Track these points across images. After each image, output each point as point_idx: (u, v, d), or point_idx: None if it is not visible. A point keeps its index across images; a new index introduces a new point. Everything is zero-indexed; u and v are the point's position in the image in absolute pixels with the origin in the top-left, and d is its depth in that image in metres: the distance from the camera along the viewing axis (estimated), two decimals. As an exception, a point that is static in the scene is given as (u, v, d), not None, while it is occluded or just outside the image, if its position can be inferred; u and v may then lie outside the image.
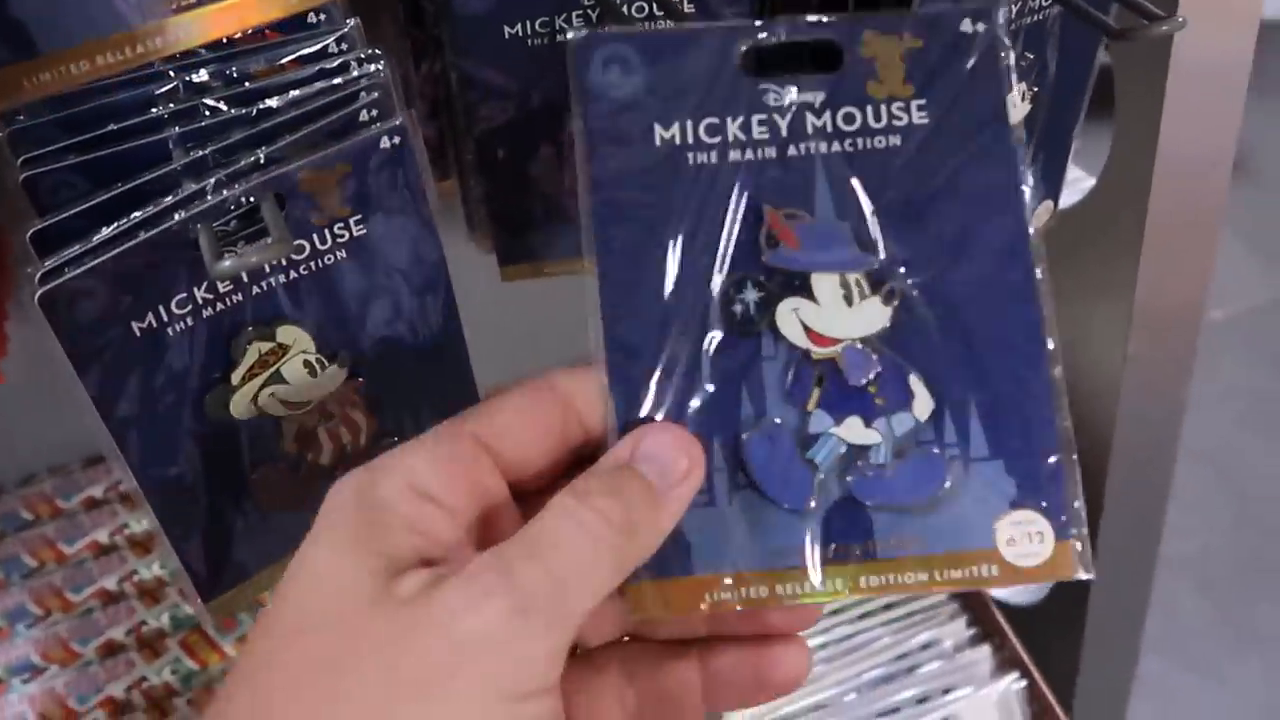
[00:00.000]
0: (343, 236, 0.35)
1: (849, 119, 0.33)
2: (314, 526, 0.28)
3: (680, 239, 0.32)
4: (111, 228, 0.32)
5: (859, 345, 0.32)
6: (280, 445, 0.38)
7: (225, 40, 0.35)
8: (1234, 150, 0.60)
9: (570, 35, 0.32)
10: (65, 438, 0.71)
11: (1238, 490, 1.54)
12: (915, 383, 0.32)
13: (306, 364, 0.36)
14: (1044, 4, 0.43)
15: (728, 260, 0.32)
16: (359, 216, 0.35)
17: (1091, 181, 0.62)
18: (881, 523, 0.31)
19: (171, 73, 0.35)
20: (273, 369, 0.36)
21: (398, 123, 0.35)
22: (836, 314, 0.32)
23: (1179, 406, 0.71)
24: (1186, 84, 0.54)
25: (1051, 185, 0.51)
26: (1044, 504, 0.31)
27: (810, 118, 0.33)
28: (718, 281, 0.32)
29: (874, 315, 0.32)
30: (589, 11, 0.42)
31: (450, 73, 0.44)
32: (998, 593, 0.78)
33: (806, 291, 0.32)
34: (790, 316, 0.32)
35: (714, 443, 0.31)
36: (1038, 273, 0.33)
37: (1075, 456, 0.32)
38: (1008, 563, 0.31)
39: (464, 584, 0.26)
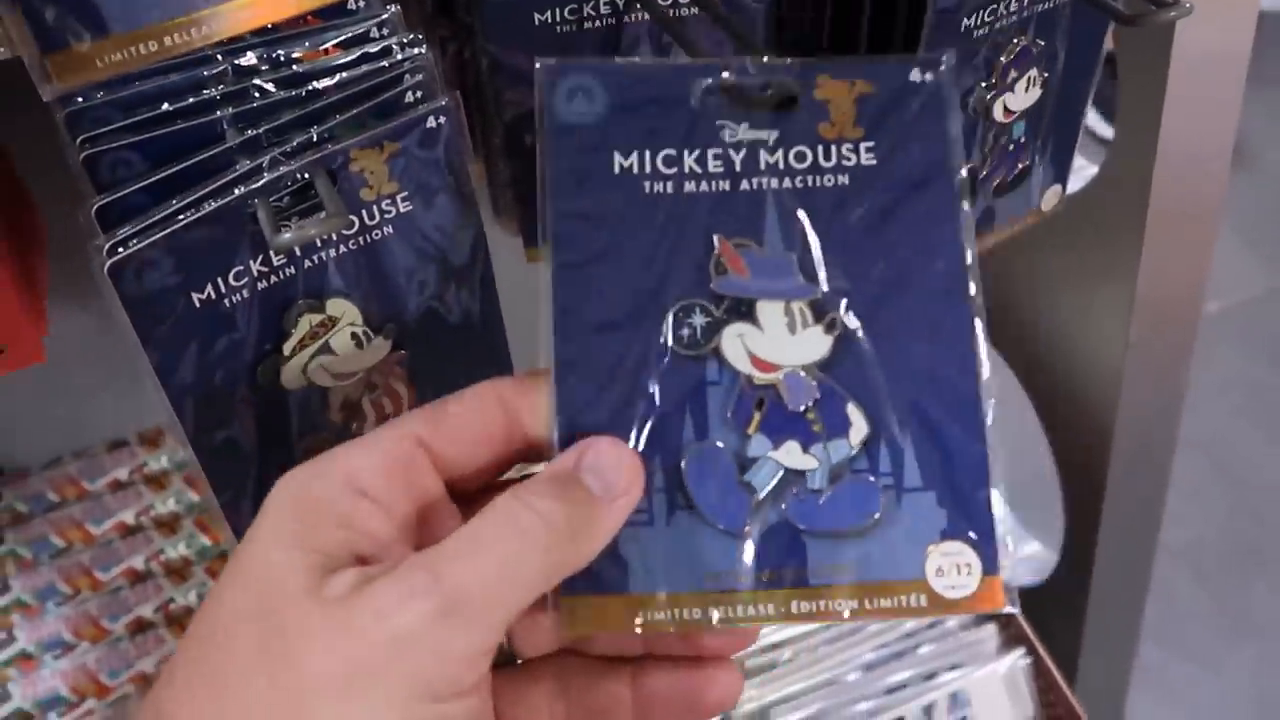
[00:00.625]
0: (390, 213, 0.37)
1: (800, 157, 0.34)
2: (254, 522, 0.28)
3: (633, 263, 0.33)
4: (174, 202, 0.33)
5: (800, 372, 0.33)
6: (327, 415, 0.39)
7: (270, 26, 0.37)
8: (1233, 140, 0.61)
9: (539, 64, 0.34)
10: (89, 419, 0.72)
11: (1234, 480, 1.56)
12: (853, 411, 0.33)
13: (354, 336, 0.38)
14: (1055, -10, 0.45)
15: (677, 285, 0.33)
16: (405, 194, 0.36)
17: (1095, 169, 0.64)
18: (815, 549, 0.32)
19: (220, 56, 0.36)
20: (322, 340, 0.37)
21: (443, 103, 0.36)
22: (779, 341, 0.33)
23: (1179, 393, 0.72)
24: (1187, 74, 0.56)
25: (1060, 169, 0.53)
26: (973, 536, 0.32)
27: (763, 154, 0.34)
28: (668, 305, 0.33)
29: (815, 343, 0.33)
30: (616, 1, 0.44)
31: (480, 58, 0.46)
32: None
33: (752, 318, 0.33)
34: (735, 341, 0.33)
35: (655, 462, 0.32)
36: (974, 311, 0.34)
37: (1001, 492, 0.33)
38: (936, 593, 0.32)
39: (393, 583, 0.26)
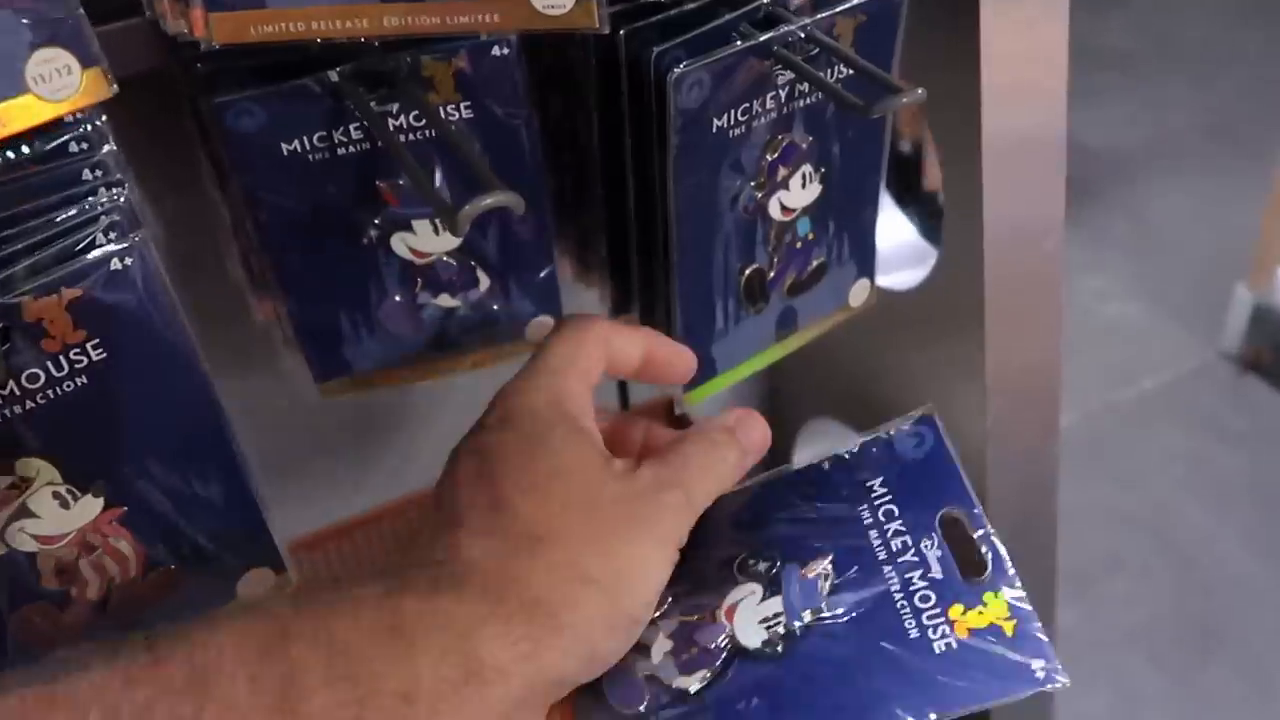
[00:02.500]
0: (80, 362, 0.34)
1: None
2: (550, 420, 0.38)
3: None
4: None
5: None
6: (40, 582, 0.36)
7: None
8: (1063, 214, 0.60)
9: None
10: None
11: (1183, 557, 1.53)
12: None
13: (56, 495, 0.35)
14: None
15: None
16: (97, 340, 0.34)
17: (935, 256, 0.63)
18: None
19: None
20: (18, 503, 0.35)
21: (128, 245, 0.34)
22: None
23: (1051, 471, 0.70)
24: (1000, 157, 0.55)
25: (863, 264, 0.51)
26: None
27: None
28: None
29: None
30: (364, 125, 0.43)
31: (239, 194, 0.44)
32: None
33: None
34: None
35: None
36: None
37: None
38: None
39: (662, 473, 0.38)
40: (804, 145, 0.45)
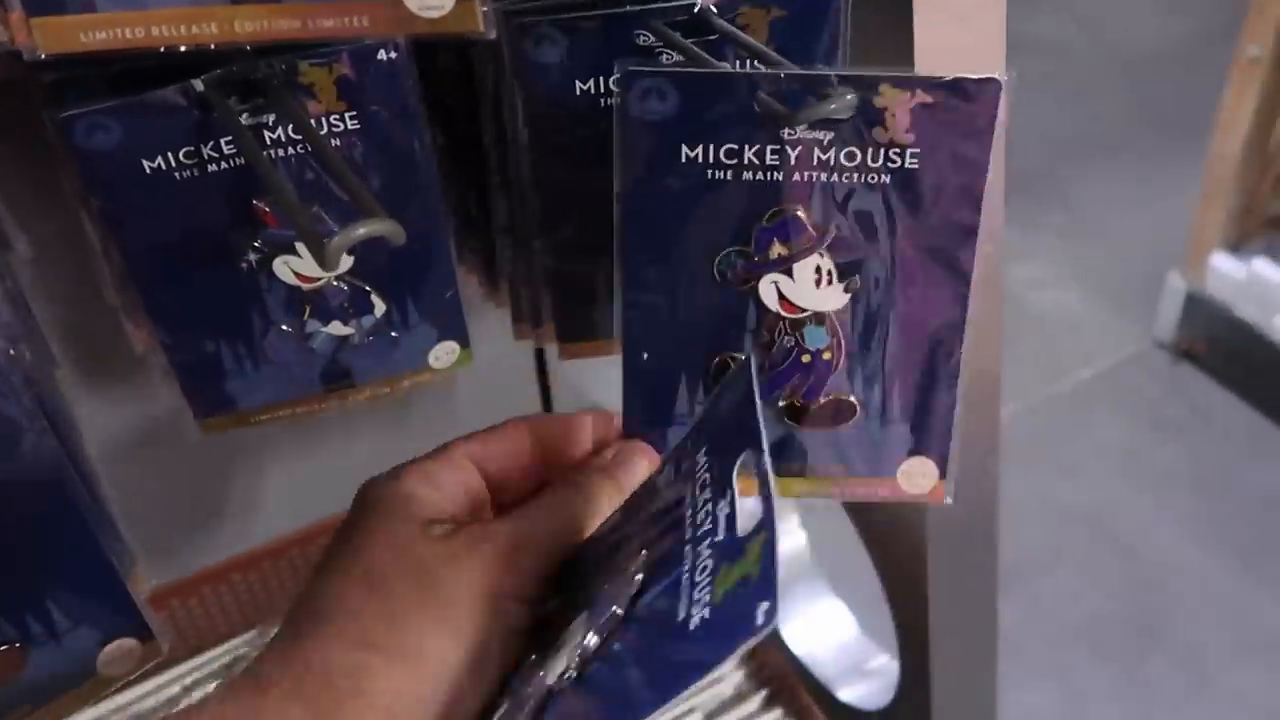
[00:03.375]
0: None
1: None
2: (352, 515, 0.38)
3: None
4: None
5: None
6: None
7: None
8: (1003, 217, 0.58)
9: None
10: None
11: (1124, 549, 1.52)
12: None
13: None
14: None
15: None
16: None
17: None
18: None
19: None
20: None
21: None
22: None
23: (993, 465, 0.68)
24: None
25: (923, 440, 0.44)
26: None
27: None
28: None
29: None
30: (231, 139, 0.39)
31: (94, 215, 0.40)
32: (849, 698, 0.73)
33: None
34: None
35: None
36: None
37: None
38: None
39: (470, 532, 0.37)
40: (812, 228, 0.39)
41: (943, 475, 0.44)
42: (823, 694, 0.73)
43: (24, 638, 0.34)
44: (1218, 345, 1.70)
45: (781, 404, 0.42)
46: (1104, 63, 2.47)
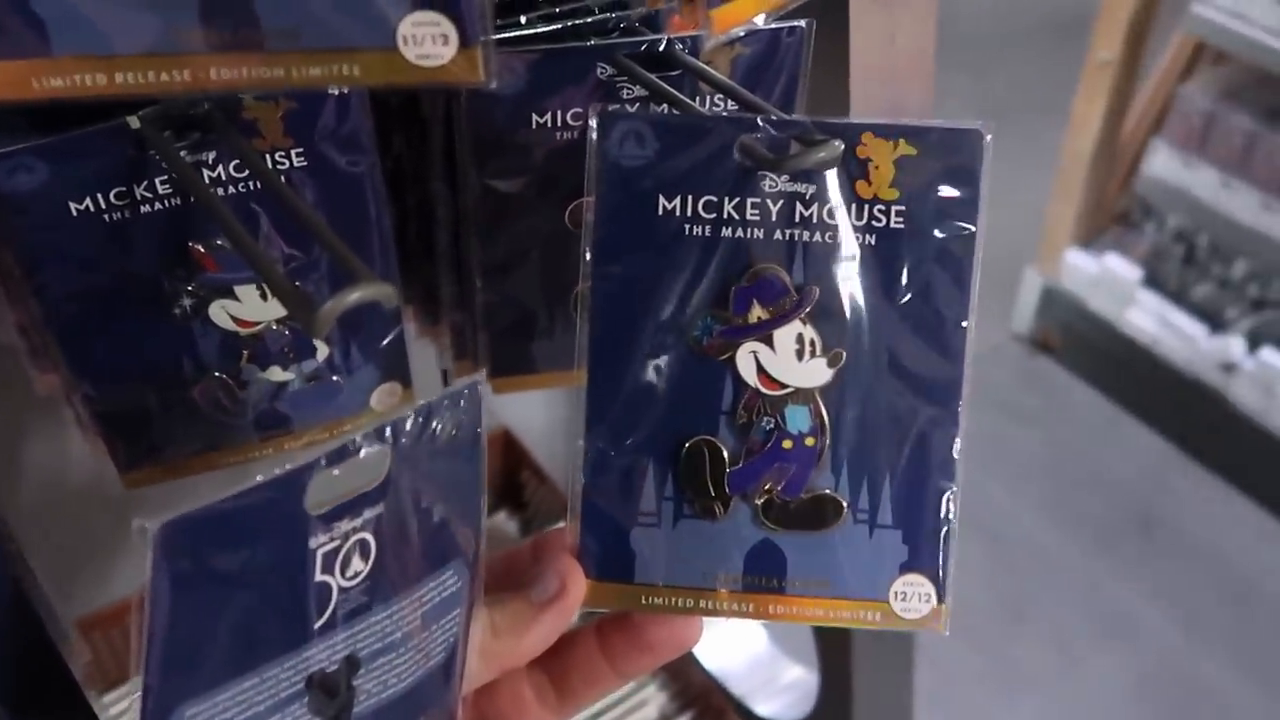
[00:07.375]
0: None
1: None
2: None
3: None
4: None
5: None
6: None
7: None
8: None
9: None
10: None
11: (988, 535, 1.58)
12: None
13: None
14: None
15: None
16: None
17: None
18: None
19: None
20: None
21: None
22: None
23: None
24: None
25: (917, 555, 0.38)
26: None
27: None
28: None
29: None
30: (174, 178, 0.36)
31: (9, 260, 0.36)
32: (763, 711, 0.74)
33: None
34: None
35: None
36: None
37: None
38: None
39: None
40: (794, 290, 0.36)
41: (940, 597, 0.38)
42: (744, 709, 0.73)
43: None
44: (1072, 337, 1.77)
45: (759, 501, 0.37)
46: (948, 63, 2.55)
